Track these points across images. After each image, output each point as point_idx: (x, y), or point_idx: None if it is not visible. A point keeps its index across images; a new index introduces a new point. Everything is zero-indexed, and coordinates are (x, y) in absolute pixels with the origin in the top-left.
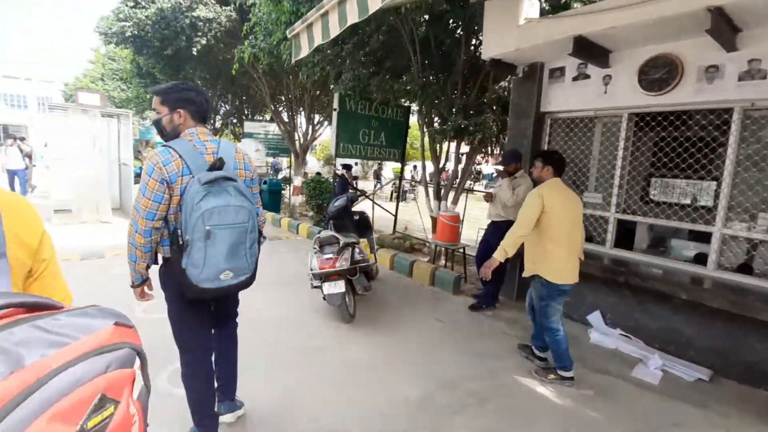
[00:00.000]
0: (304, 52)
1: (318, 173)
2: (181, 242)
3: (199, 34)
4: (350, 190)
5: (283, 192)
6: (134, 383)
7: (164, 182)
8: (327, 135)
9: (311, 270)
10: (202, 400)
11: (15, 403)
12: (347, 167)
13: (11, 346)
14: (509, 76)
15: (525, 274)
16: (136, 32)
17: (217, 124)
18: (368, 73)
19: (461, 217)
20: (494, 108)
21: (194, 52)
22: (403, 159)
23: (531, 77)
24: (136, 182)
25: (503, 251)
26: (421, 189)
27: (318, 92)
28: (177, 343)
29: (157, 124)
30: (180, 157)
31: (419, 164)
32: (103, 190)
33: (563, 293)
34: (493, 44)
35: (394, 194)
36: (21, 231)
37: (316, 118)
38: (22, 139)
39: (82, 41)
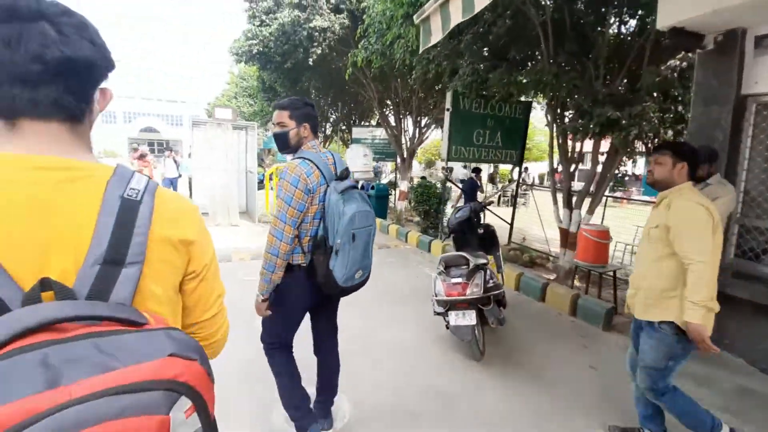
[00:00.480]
0: (436, 37)
1: (423, 177)
2: (326, 246)
3: (315, 44)
4: (478, 198)
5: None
6: (169, 428)
7: (308, 192)
8: (432, 138)
9: (435, 295)
10: (301, 395)
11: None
12: (476, 171)
13: (59, 362)
14: (683, 53)
15: (642, 317)
16: (261, 49)
17: (327, 131)
18: (488, 66)
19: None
20: (655, 95)
21: (310, 62)
22: (521, 161)
23: (727, 49)
24: (260, 188)
25: (704, 309)
26: (536, 194)
27: (425, 95)
28: (271, 347)
29: (281, 136)
30: (318, 168)
31: (530, 166)
32: (233, 195)
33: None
34: (673, 8)
35: (502, 198)
36: (175, 236)
37: (423, 121)
38: (176, 151)
39: (224, 65)
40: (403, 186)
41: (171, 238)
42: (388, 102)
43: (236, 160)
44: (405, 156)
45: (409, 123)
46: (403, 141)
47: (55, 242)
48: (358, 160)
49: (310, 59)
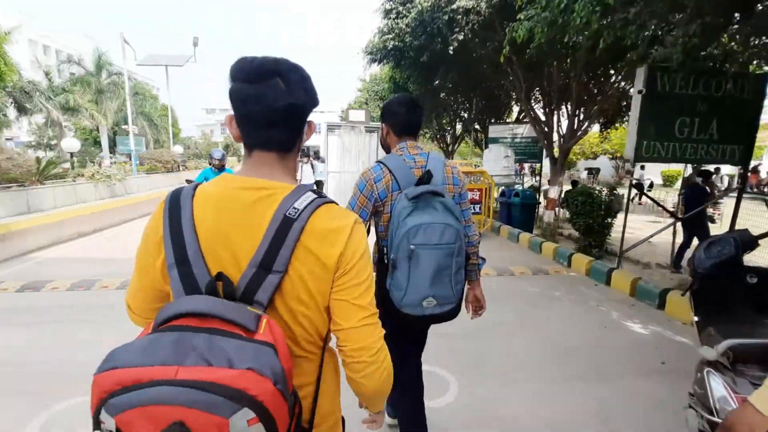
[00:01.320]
0: None
1: (575, 181)
2: (386, 261)
3: (456, 29)
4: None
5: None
6: (227, 429)
7: (372, 198)
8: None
9: (712, 405)
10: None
11: (128, 388)
12: (705, 174)
13: (184, 346)
14: None
15: None
16: (396, 43)
17: (457, 132)
18: (719, 22)
19: None
20: None
21: (450, 51)
22: (748, 159)
23: None
24: None
25: None
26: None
27: (588, 78)
28: None
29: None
30: (390, 172)
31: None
32: None
33: None
34: None
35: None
36: (320, 250)
37: (581, 113)
38: (316, 156)
39: (356, 75)
40: (553, 192)
41: (316, 252)
42: (537, 93)
43: (369, 163)
44: (557, 156)
45: (561, 118)
46: (554, 138)
47: (241, 245)
48: (497, 162)
49: (451, 47)
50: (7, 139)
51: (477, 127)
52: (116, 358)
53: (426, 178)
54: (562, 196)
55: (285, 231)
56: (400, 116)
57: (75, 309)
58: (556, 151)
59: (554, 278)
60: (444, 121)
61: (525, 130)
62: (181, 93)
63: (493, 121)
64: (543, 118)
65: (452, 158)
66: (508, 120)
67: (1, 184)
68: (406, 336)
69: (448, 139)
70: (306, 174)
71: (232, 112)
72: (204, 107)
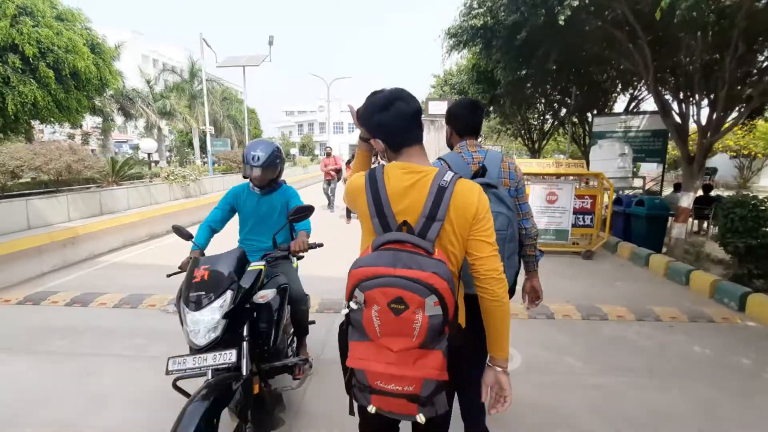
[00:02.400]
0: None
1: (708, 185)
2: None
3: None
4: None
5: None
6: (423, 307)
7: None
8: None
9: None
10: None
11: (380, 273)
12: None
13: (397, 258)
14: None
15: None
16: (486, 21)
17: (546, 126)
18: None
19: None
20: None
21: (562, 21)
22: None
23: None
24: None
25: None
26: None
27: (749, 49)
28: None
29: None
30: (449, 167)
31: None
32: None
33: None
34: None
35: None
36: (462, 206)
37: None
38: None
39: (427, 74)
40: (686, 200)
41: (461, 207)
42: (667, 75)
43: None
44: (692, 154)
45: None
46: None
47: (412, 206)
48: (610, 162)
49: (561, 17)
50: (121, 141)
51: (575, 120)
52: (360, 262)
53: (481, 172)
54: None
55: (440, 195)
56: (462, 118)
57: (112, 336)
58: (692, 148)
59: (726, 331)
60: (533, 115)
61: (643, 122)
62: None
63: (595, 112)
64: (675, 107)
65: (539, 156)
66: (615, 109)
67: (76, 186)
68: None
69: (534, 136)
70: None
71: (300, 113)
72: (284, 110)
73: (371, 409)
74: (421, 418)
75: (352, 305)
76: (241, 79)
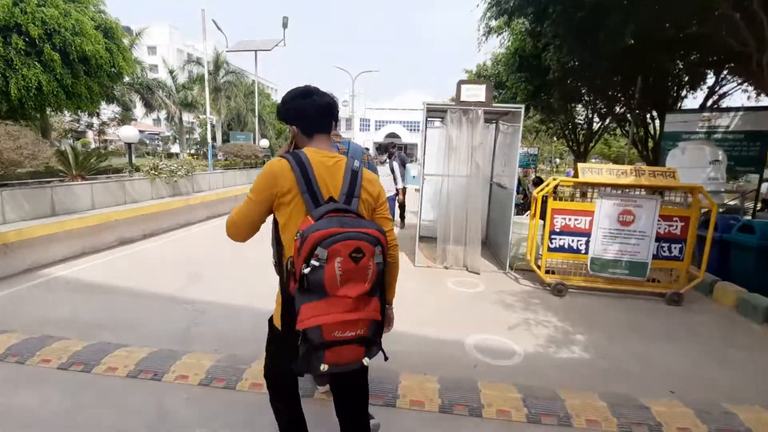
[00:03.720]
0: None
1: None
2: None
3: None
4: None
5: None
6: (374, 254)
7: None
8: None
9: None
10: None
11: (337, 232)
12: None
13: (343, 221)
14: None
15: None
16: None
17: (594, 125)
18: None
19: None
20: None
21: None
22: None
23: None
24: (517, 212)
25: None
26: None
27: None
28: None
29: None
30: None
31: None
32: (476, 220)
33: None
34: None
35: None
36: (368, 188)
37: None
38: (404, 156)
39: (458, 68)
40: None
41: (369, 191)
42: None
43: (485, 166)
44: None
45: None
46: None
47: (332, 185)
48: (698, 171)
49: None
50: (154, 134)
51: (640, 115)
52: (314, 228)
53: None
54: None
55: (355, 177)
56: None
57: None
58: None
59: None
60: (583, 110)
61: (734, 121)
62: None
63: (660, 108)
64: None
65: (585, 160)
66: (683, 105)
67: (27, 180)
68: None
69: (580, 137)
70: (383, 178)
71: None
72: None
73: (324, 367)
74: (366, 362)
75: (314, 263)
76: (269, 73)
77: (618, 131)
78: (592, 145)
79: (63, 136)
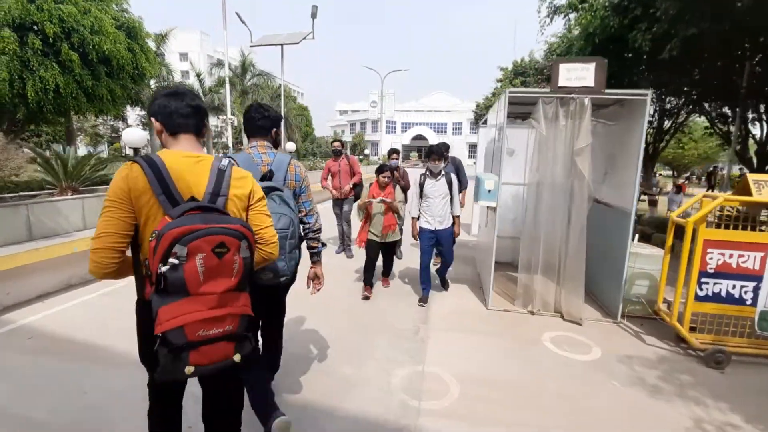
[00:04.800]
0: None
1: None
2: None
3: None
4: None
5: None
6: (239, 249)
7: None
8: None
9: None
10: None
11: (198, 228)
12: None
13: (205, 218)
14: None
15: None
16: None
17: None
18: None
19: None
20: None
21: None
22: None
23: None
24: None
25: None
26: None
27: None
28: None
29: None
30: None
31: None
32: (565, 247)
33: None
34: None
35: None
36: (238, 187)
37: None
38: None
39: (491, 71)
40: None
41: (239, 188)
42: None
43: (589, 177)
44: None
45: None
46: None
47: (194, 185)
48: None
49: None
50: None
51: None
52: (172, 225)
53: (269, 175)
54: None
55: (222, 175)
56: (253, 121)
57: None
58: None
59: None
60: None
61: None
62: (320, 94)
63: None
64: None
65: (653, 167)
66: None
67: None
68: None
69: (648, 136)
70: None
71: (353, 113)
72: (337, 109)
73: (189, 370)
74: (237, 358)
75: (173, 261)
76: (294, 76)
77: (691, 130)
78: (662, 146)
79: (94, 142)
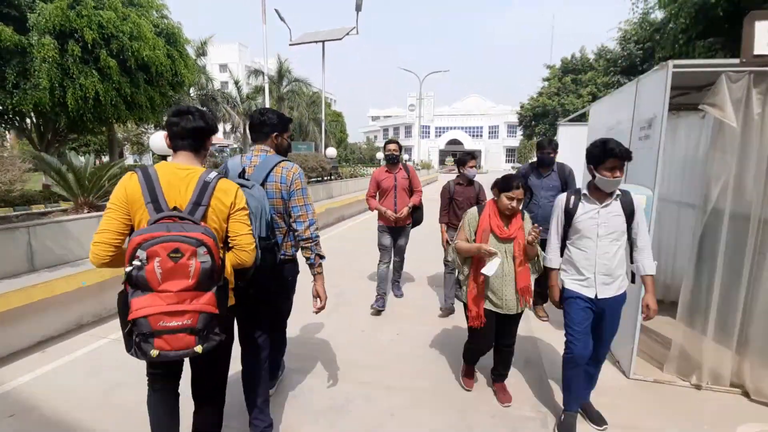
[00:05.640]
0: None
1: None
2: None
3: None
4: None
5: None
6: (195, 254)
7: None
8: None
9: None
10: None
11: (158, 235)
12: None
13: (172, 227)
14: None
15: None
16: None
17: None
18: None
19: None
20: None
21: None
22: None
23: None
24: None
25: None
26: None
27: None
28: None
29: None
30: (226, 169)
31: None
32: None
33: None
34: None
35: None
36: (221, 198)
37: None
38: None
39: (533, 72)
40: None
41: (221, 199)
42: None
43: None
44: None
45: None
46: None
47: (181, 195)
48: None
49: None
50: (223, 146)
51: None
52: (139, 232)
53: (241, 173)
54: None
55: (205, 189)
56: (252, 125)
57: None
58: None
59: None
60: None
61: None
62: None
63: None
64: None
65: None
66: None
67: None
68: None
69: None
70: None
71: (385, 118)
72: (370, 115)
73: (154, 353)
74: (199, 349)
75: (135, 263)
76: (327, 84)
77: None
78: None
79: (139, 150)
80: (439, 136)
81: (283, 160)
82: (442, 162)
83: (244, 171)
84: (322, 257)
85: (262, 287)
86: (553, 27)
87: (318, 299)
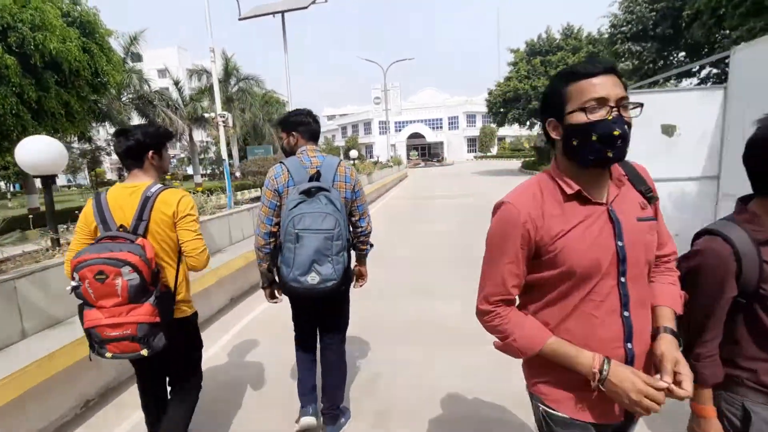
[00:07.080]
0: None
1: None
2: (278, 243)
3: None
4: None
5: None
6: (120, 274)
7: (275, 191)
8: None
9: None
10: (299, 379)
11: (85, 259)
12: None
13: (108, 246)
14: None
15: None
16: None
17: None
18: None
19: None
20: None
21: None
22: None
23: None
24: None
25: None
26: None
27: None
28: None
29: (282, 147)
30: (288, 171)
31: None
32: None
33: None
34: None
35: None
36: (162, 210)
37: None
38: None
39: (494, 58)
40: None
41: (163, 211)
42: None
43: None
44: None
45: None
46: None
47: (127, 213)
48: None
49: None
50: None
51: None
52: (78, 254)
53: (316, 176)
54: None
55: (146, 203)
56: (308, 125)
57: None
58: None
59: None
60: None
61: None
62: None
63: None
64: None
65: None
66: None
67: None
68: (302, 316)
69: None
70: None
71: (342, 116)
72: (325, 114)
73: (108, 355)
74: (144, 352)
75: (73, 283)
76: (278, 85)
77: None
78: None
79: (71, 169)
80: (399, 130)
81: (340, 160)
82: (407, 157)
83: (318, 174)
84: (372, 245)
85: (335, 292)
86: (498, 8)
87: (363, 278)
